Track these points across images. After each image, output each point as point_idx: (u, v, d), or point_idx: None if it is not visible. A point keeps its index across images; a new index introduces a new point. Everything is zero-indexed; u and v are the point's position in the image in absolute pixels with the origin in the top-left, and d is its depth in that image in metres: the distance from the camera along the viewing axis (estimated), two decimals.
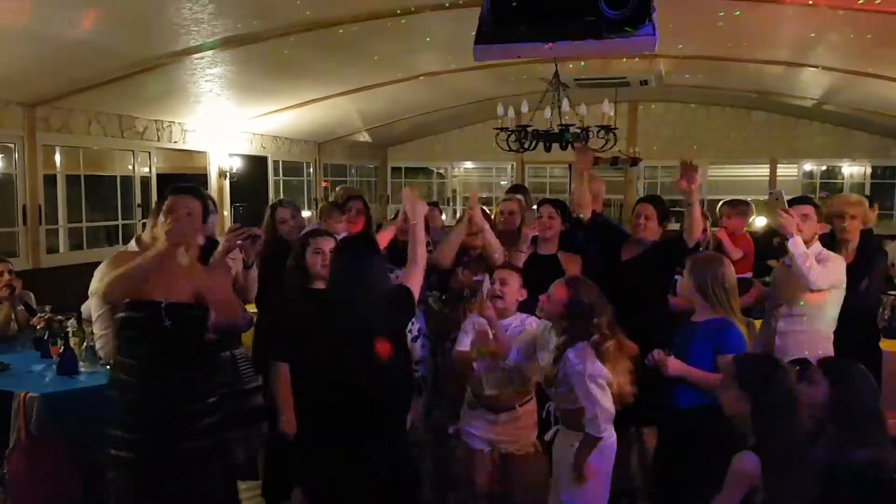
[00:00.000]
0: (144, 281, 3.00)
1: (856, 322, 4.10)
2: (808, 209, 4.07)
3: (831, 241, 4.35)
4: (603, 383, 3.16)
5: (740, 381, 2.76)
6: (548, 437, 3.52)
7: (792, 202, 4.09)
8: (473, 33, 3.41)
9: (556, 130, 6.40)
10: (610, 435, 3.26)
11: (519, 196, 5.37)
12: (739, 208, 6.01)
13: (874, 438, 2.74)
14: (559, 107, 6.00)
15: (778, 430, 2.65)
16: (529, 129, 6.40)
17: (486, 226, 4.45)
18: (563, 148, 6.45)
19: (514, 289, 3.74)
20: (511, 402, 3.69)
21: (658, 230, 4.45)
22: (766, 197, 4.26)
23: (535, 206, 4.94)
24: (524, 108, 6.35)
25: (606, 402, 3.16)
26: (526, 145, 6.52)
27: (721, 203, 6.16)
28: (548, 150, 6.28)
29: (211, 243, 4.39)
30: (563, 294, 3.28)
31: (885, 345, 5.00)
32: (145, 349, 3.02)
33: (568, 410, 3.34)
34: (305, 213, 8.16)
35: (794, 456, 2.63)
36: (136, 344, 3.03)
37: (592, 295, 3.28)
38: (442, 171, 13.82)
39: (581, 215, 4.63)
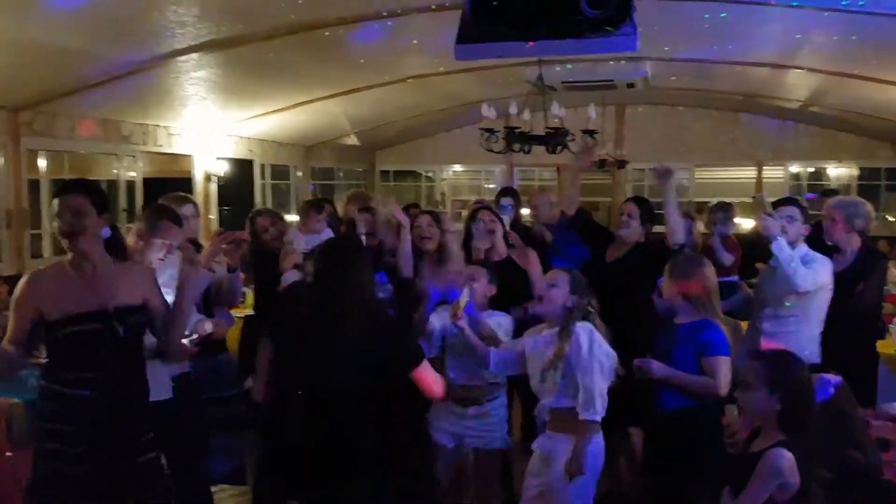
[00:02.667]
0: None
1: (852, 325, 4.10)
2: (793, 210, 4.07)
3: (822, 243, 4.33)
4: (608, 367, 3.26)
5: (771, 381, 2.72)
6: (535, 446, 3.50)
7: (777, 203, 4.09)
8: (454, 45, 3.42)
9: (543, 133, 6.39)
10: (599, 437, 3.31)
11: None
12: (732, 212, 5.97)
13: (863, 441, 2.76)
14: (544, 110, 5.99)
15: (807, 425, 2.65)
16: (517, 131, 6.39)
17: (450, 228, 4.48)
18: (551, 151, 6.42)
19: (483, 285, 3.81)
20: (478, 396, 3.72)
21: (640, 229, 4.47)
22: (751, 200, 4.27)
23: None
24: (512, 110, 6.33)
25: (604, 385, 3.25)
26: (515, 147, 6.50)
27: (710, 206, 6.07)
28: (528, 152, 6.27)
29: (194, 247, 4.37)
30: (565, 280, 3.41)
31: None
32: (101, 361, 2.76)
33: (559, 410, 3.34)
34: (292, 217, 8.11)
35: (822, 449, 2.64)
36: (90, 357, 2.74)
37: (584, 279, 3.46)
38: (430, 174, 13.80)
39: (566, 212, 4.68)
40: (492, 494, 3.90)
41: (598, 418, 3.24)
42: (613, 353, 3.33)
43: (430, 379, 3.03)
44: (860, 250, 4.33)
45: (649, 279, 4.23)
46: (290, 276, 4.45)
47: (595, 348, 3.26)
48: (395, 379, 2.99)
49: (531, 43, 3.03)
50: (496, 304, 3.91)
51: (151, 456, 2.89)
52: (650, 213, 4.55)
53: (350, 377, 2.92)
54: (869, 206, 4.61)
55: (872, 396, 4.26)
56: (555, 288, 3.43)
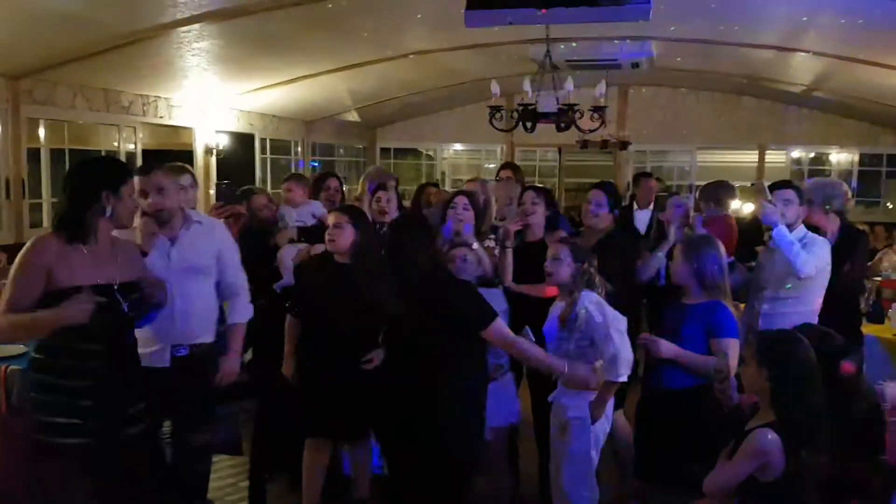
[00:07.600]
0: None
1: (838, 306, 4.11)
2: (790, 193, 4.07)
3: None
4: (623, 329, 3.33)
5: (759, 356, 2.74)
6: (551, 397, 3.60)
7: (773, 187, 4.09)
8: (464, 10, 3.38)
9: (554, 111, 6.30)
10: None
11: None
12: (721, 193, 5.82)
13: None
14: (554, 87, 5.92)
15: (798, 407, 2.64)
16: (530, 107, 6.25)
17: None
18: (563, 129, 6.31)
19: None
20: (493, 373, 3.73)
21: (610, 217, 4.37)
22: (751, 186, 4.26)
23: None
24: (526, 87, 6.23)
25: (626, 349, 3.31)
26: (528, 125, 6.38)
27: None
28: (532, 130, 6.18)
29: None
30: (567, 252, 3.52)
31: (868, 329, 5.04)
32: (105, 334, 2.87)
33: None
34: None
35: (814, 432, 2.62)
36: (95, 330, 2.82)
37: (581, 245, 3.64)
38: (431, 152, 13.75)
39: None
40: (498, 471, 3.92)
41: (623, 379, 3.33)
42: (622, 317, 3.40)
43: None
44: (840, 230, 4.37)
45: (621, 269, 4.15)
46: (289, 251, 4.44)
47: (609, 316, 3.33)
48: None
49: (543, 10, 2.97)
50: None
51: (140, 428, 3.00)
52: (617, 198, 4.48)
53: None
54: (845, 187, 4.67)
55: None
56: (559, 261, 3.51)
